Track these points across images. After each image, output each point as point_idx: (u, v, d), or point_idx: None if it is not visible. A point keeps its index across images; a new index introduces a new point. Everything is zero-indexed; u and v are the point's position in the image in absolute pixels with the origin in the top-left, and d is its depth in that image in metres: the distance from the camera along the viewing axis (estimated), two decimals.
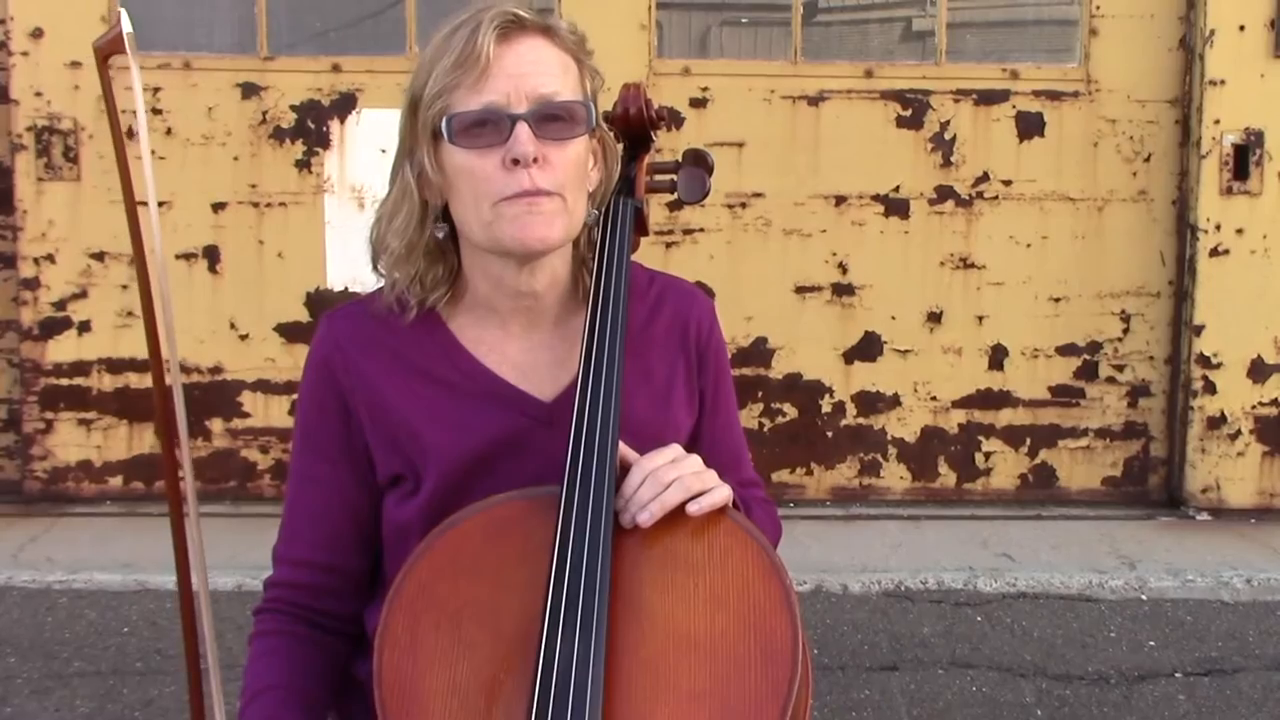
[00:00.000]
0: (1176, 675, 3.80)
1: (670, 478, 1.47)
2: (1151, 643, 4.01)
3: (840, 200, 5.02)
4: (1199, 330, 4.94)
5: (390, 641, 1.45)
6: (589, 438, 1.49)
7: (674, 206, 4.97)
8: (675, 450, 1.51)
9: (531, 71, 1.51)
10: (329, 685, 1.67)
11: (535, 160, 1.51)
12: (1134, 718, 3.55)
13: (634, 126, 1.75)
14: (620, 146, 1.74)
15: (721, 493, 1.49)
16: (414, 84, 1.56)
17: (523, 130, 1.50)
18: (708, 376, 1.72)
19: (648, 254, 5.19)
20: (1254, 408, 4.98)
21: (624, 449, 1.52)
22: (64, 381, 5.03)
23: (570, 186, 1.55)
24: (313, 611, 1.68)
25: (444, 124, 1.52)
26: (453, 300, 1.65)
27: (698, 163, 1.79)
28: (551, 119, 1.52)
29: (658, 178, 1.80)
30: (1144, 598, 4.32)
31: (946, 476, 5.14)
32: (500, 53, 1.50)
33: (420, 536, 1.52)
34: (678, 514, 1.47)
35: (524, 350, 1.64)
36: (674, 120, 4.93)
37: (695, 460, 1.51)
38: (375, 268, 1.64)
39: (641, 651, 1.41)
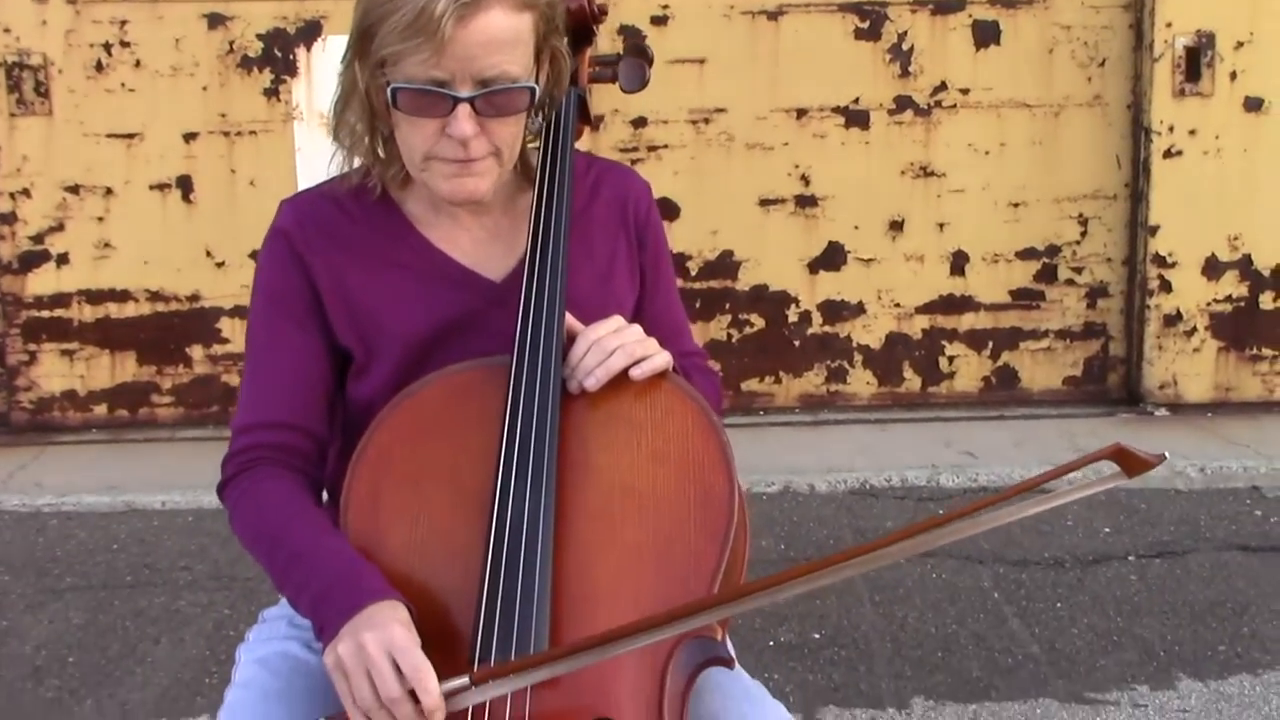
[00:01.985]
0: (1129, 558, 3.96)
1: (614, 345, 1.58)
2: (1107, 529, 4.16)
3: (801, 113, 5.11)
4: (1154, 231, 5.06)
5: (355, 502, 1.56)
6: (537, 311, 1.60)
7: (638, 124, 5.06)
8: (618, 320, 1.62)
9: (481, 54, 1.53)
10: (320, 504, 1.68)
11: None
12: (1086, 597, 3.70)
13: (576, 20, 1.84)
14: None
15: (662, 358, 1.60)
16: (366, 9, 1.57)
17: (463, 111, 1.55)
18: (648, 254, 1.82)
19: None
20: (1209, 305, 5.11)
21: (570, 320, 1.62)
22: (45, 314, 5.13)
23: (506, 145, 1.62)
24: (288, 462, 1.66)
25: (389, 92, 1.56)
26: (406, 184, 1.72)
27: (638, 54, 1.89)
28: (494, 99, 1.56)
29: (600, 69, 1.90)
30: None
31: (911, 381, 5.27)
32: (455, 34, 1.50)
33: (382, 406, 1.62)
34: (621, 379, 1.58)
35: (474, 233, 1.73)
36: (635, 38, 5.00)
37: (637, 329, 1.62)
38: (333, 140, 1.69)
39: (589, 505, 1.52)
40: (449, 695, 1.36)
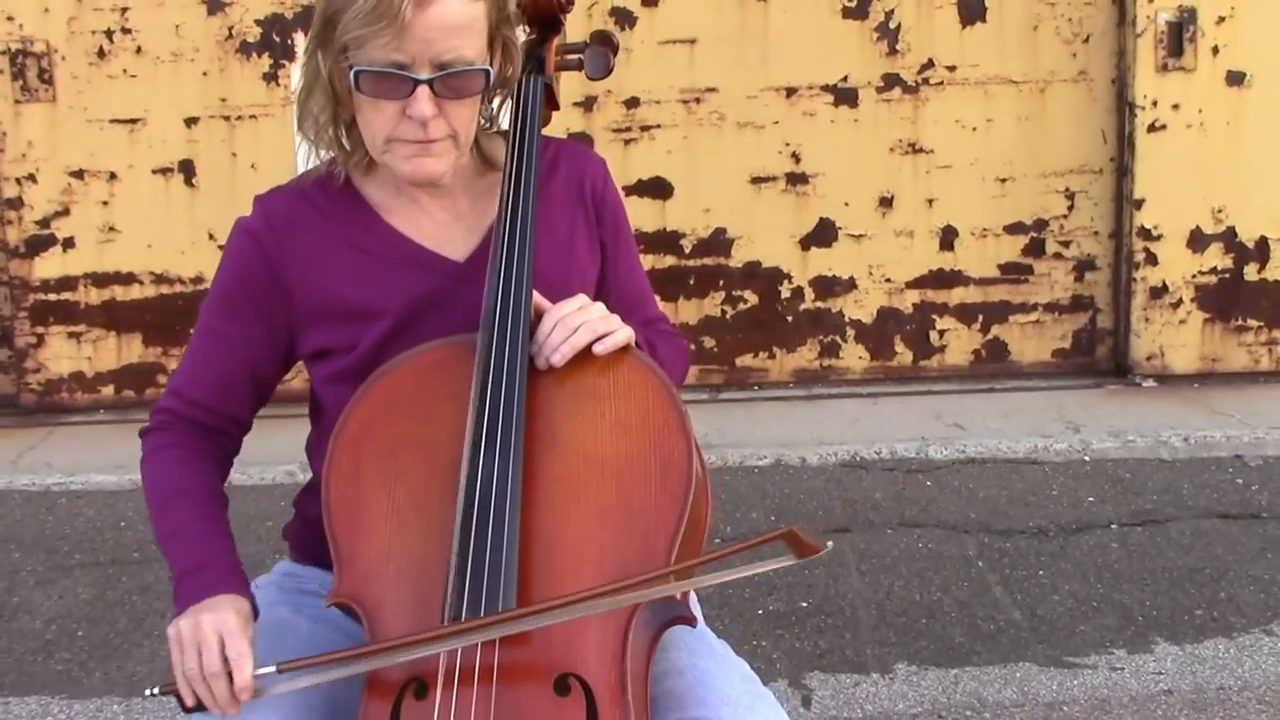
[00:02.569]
0: (1112, 526, 4.05)
1: (578, 322, 1.67)
2: (1090, 499, 4.26)
3: (791, 92, 5.18)
4: (1140, 204, 5.13)
5: (336, 473, 1.66)
6: (505, 290, 1.69)
7: (630, 105, 5.14)
8: (582, 299, 1.71)
9: (439, 38, 1.62)
10: (223, 480, 1.85)
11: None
12: (1068, 564, 3.80)
13: (542, 11, 1.93)
14: (530, 32, 1.93)
15: (624, 333, 1.69)
16: (330, 2, 1.66)
17: (423, 92, 1.65)
18: (606, 227, 1.90)
19: (607, 151, 5.38)
20: (1194, 277, 5.19)
21: (537, 298, 1.71)
22: (52, 297, 5.23)
23: (462, 127, 1.72)
24: (205, 433, 1.83)
25: (353, 75, 1.65)
26: (369, 170, 1.81)
27: (603, 42, 1.98)
28: (452, 81, 1.66)
29: (568, 57, 1.98)
30: (1086, 459, 4.56)
31: (903, 355, 5.36)
32: (414, 17, 1.60)
33: (356, 385, 1.71)
34: (586, 354, 1.67)
35: (435, 216, 1.82)
36: (627, 20, 5.08)
37: (600, 306, 1.71)
38: (299, 130, 1.79)
39: (555, 472, 1.61)
40: (257, 679, 1.55)
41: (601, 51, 1.96)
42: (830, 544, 1.52)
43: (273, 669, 1.54)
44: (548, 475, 1.62)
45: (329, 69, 1.69)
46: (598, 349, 1.67)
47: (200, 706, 1.56)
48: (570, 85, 2.06)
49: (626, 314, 1.75)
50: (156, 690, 1.60)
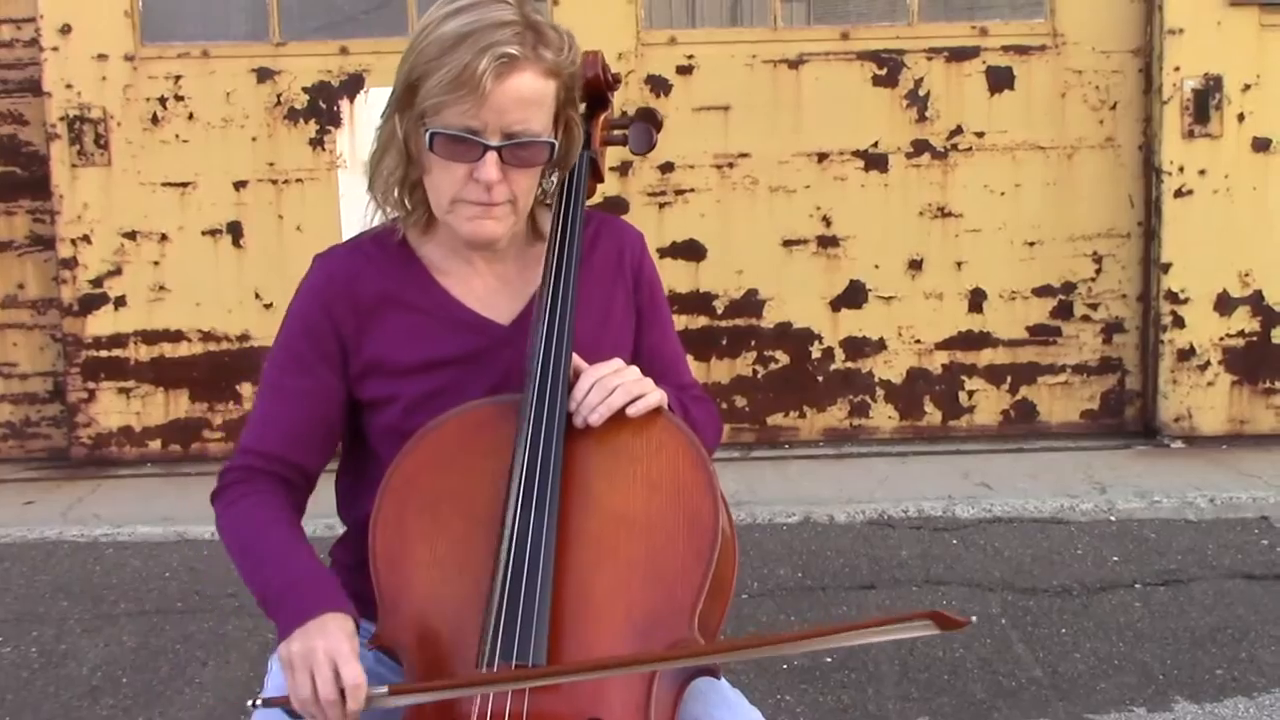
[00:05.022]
0: (1135, 585, 4.09)
1: (615, 384, 1.76)
2: (1115, 558, 4.30)
3: (822, 157, 5.31)
4: (1167, 268, 5.21)
5: (382, 523, 1.75)
6: (546, 354, 1.79)
7: (665, 169, 5.27)
8: (618, 362, 1.80)
9: (513, 108, 1.73)
10: (300, 519, 1.91)
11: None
12: (1091, 623, 3.84)
13: (592, 87, 2.04)
14: (582, 107, 2.05)
15: (656, 395, 1.78)
16: (413, 66, 1.78)
17: (491, 158, 1.76)
18: (643, 296, 2.00)
19: (642, 214, 5.53)
20: (1221, 339, 5.25)
21: (576, 360, 1.81)
22: (103, 353, 5.40)
23: (523, 195, 1.83)
24: (279, 484, 1.87)
25: (428, 136, 1.76)
26: (427, 232, 1.92)
27: (647, 119, 2.10)
28: (519, 150, 1.78)
29: (614, 132, 2.10)
30: (1112, 519, 4.61)
31: (932, 415, 5.43)
32: (493, 88, 1.71)
33: (402, 438, 1.81)
34: (620, 415, 1.76)
35: (486, 280, 1.92)
36: (662, 88, 5.22)
37: (635, 370, 1.80)
38: (369, 190, 1.88)
39: (588, 528, 1.71)
40: (370, 699, 1.61)
41: (645, 129, 2.07)
42: (974, 619, 1.56)
43: (384, 690, 1.61)
44: (581, 531, 1.71)
45: (405, 131, 1.81)
46: (631, 410, 1.75)
47: None
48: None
49: (660, 379, 1.84)
50: (260, 702, 1.66)
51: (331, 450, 1.93)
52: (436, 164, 1.78)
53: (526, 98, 1.75)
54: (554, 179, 1.95)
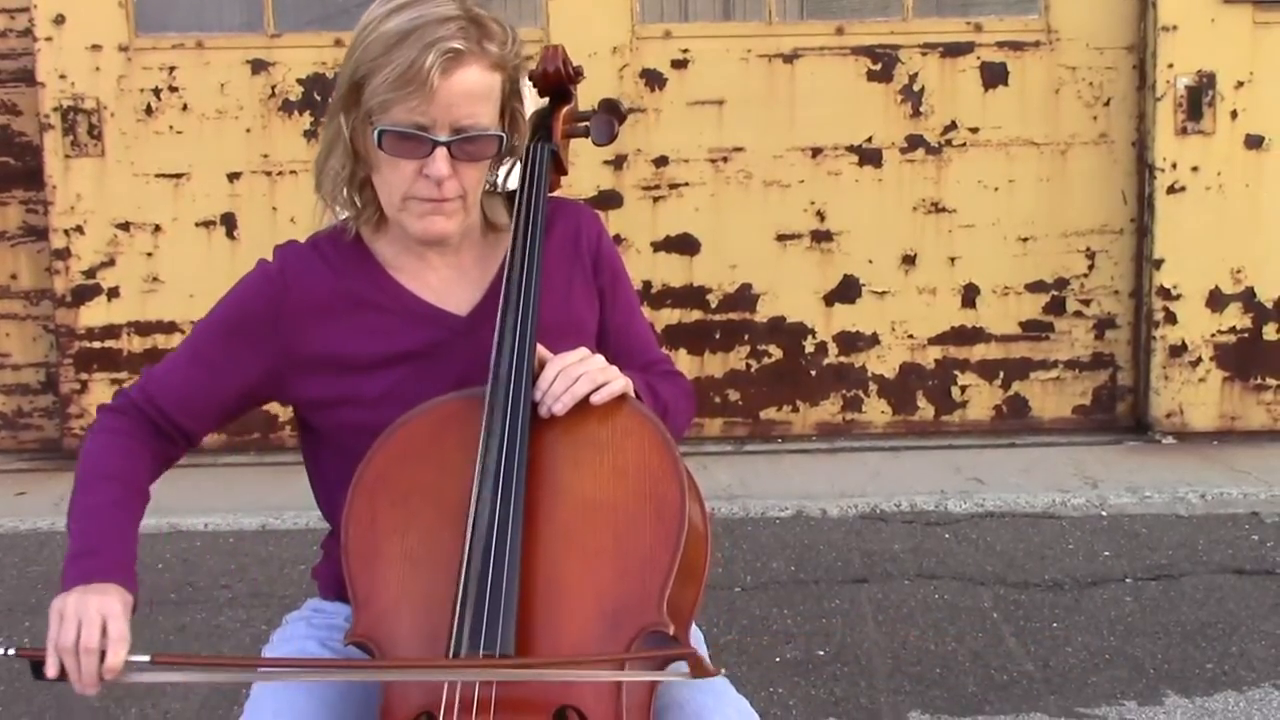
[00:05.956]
0: (1126, 580, 4.11)
1: (579, 373, 1.76)
2: (1106, 553, 4.32)
3: (816, 152, 5.32)
4: (1159, 264, 5.23)
5: (354, 520, 1.76)
6: (510, 345, 1.79)
7: (659, 163, 5.28)
8: (583, 351, 1.81)
9: (461, 103, 1.74)
10: (152, 480, 1.93)
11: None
12: (1082, 617, 3.86)
13: (553, 82, 2.05)
14: (545, 101, 2.05)
15: (620, 383, 1.78)
16: (357, 64, 1.78)
17: (441, 154, 1.77)
18: (604, 276, 2.00)
19: (636, 208, 5.52)
20: (1213, 336, 5.27)
21: (541, 350, 1.82)
22: (96, 344, 5.40)
23: (472, 190, 1.84)
24: (157, 435, 1.92)
25: (376, 134, 1.77)
26: (378, 228, 1.93)
27: (609, 111, 2.10)
28: (468, 145, 1.79)
29: (575, 125, 2.10)
30: (1104, 514, 4.63)
31: (925, 410, 5.45)
32: (439, 84, 1.71)
33: (370, 434, 1.81)
34: (585, 403, 1.76)
35: (440, 273, 1.93)
36: (657, 82, 5.23)
37: (599, 359, 1.80)
38: (317, 191, 1.90)
39: (556, 516, 1.71)
40: (130, 665, 1.63)
41: (606, 120, 2.07)
42: (723, 671, 1.65)
43: (146, 658, 1.64)
44: (549, 520, 1.71)
45: (351, 129, 1.81)
46: (595, 398, 1.76)
47: (61, 677, 1.64)
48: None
49: (628, 358, 1.86)
50: (13, 651, 1.65)
51: (219, 425, 1.97)
52: (385, 162, 1.79)
53: (474, 92, 1.76)
54: (501, 170, 1.96)
